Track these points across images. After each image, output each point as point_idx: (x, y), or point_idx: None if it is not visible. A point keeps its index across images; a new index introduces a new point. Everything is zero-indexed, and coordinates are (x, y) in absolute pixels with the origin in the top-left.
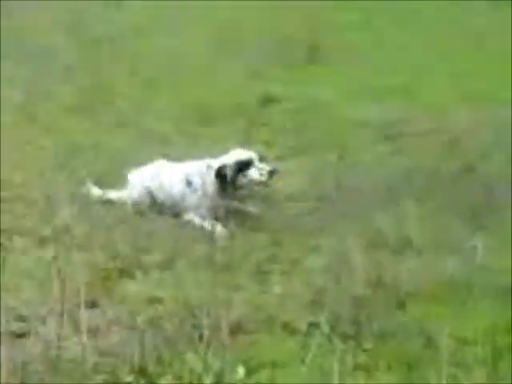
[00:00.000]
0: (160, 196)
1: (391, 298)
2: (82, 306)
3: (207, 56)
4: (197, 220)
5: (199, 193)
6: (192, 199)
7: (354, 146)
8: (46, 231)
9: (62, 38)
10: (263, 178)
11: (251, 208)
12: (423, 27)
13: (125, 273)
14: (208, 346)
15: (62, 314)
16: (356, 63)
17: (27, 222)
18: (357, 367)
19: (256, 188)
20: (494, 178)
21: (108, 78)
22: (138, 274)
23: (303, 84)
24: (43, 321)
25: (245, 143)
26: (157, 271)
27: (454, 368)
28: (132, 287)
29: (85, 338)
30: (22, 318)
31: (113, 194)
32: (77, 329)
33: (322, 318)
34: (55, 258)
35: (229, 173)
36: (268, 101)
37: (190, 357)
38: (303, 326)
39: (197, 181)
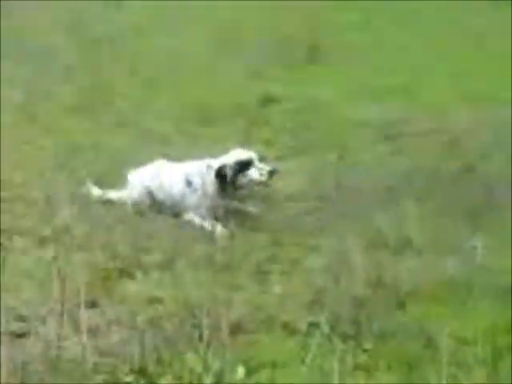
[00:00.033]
0: (160, 196)
1: (391, 298)
2: (82, 306)
3: (207, 56)
4: (197, 220)
5: (199, 193)
6: (192, 199)
7: (354, 146)
8: (46, 231)
9: (62, 38)
10: (263, 178)
11: (251, 208)
12: (423, 27)
13: (125, 273)
14: (208, 346)
15: (62, 314)
16: (356, 63)
17: (27, 221)
18: (357, 367)
19: (256, 188)
20: (494, 178)
21: (108, 77)
22: (138, 274)
23: (303, 84)
24: (43, 321)
25: (245, 143)
26: (157, 271)
27: (454, 368)
28: (132, 287)
29: (85, 338)
30: (21, 318)
31: (113, 194)
32: (77, 329)
33: (322, 318)
34: (55, 257)
35: (229, 173)
36: (268, 101)
37: (189, 357)
38: (303, 326)
39: (197, 181)
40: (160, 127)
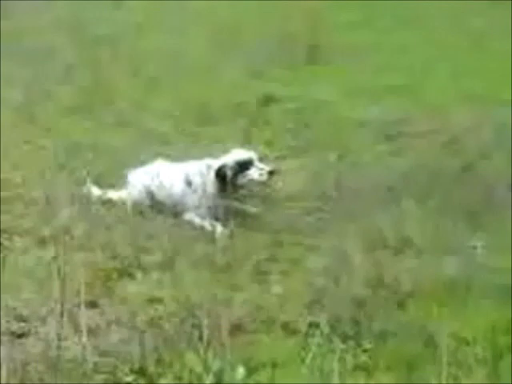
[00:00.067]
0: (160, 196)
1: (391, 297)
2: (82, 306)
3: (207, 55)
4: (197, 220)
5: (199, 193)
6: (192, 199)
7: (354, 146)
8: (46, 231)
9: (62, 38)
10: (263, 178)
11: (251, 208)
12: (424, 27)
13: (125, 273)
14: (208, 346)
15: (62, 314)
16: (356, 63)
17: (27, 222)
18: (357, 367)
19: (256, 188)
20: (494, 178)
21: (108, 77)
22: (138, 274)
23: (303, 84)
24: (43, 321)
25: (245, 143)
26: (157, 271)
27: (454, 368)
28: (132, 287)
29: (85, 338)
30: (22, 318)
31: (113, 194)
32: (77, 329)
33: (322, 318)
34: (55, 258)
35: (229, 173)
36: (268, 101)
37: (189, 357)
38: (303, 326)
39: (197, 181)
40: (160, 127)
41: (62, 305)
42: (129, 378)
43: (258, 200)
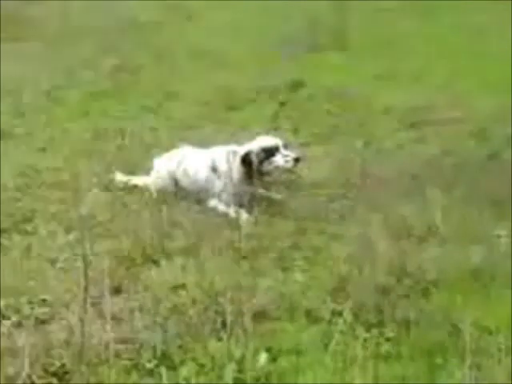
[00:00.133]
0: (185, 182)
1: (415, 286)
2: (106, 293)
3: (234, 41)
4: (221, 206)
5: (224, 179)
6: (217, 185)
7: (379, 133)
8: (71, 217)
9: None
10: (288, 165)
11: (276, 195)
12: (454, 12)
13: (149, 259)
14: (231, 334)
15: (85, 300)
16: (383, 50)
17: (52, 207)
18: (380, 355)
19: (282, 175)
20: None
21: (135, 62)
22: (162, 261)
23: (329, 70)
24: (67, 307)
25: (270, 130)
26: (181, 258)
27: (478, 357)
28: (156, 274)
29: (108, 324)
30: (46, 304)
31: (138, 180)
32: (100, 315)
33: (346, 306)
34: (80, 243)
35: (254, 159)
36: (294, 86)
37: (212, 344)
38: (326, 314)
39: (222, 167)
40: (187, 112)
41: (86, 291)
42: (151, 365)
43: (282, 187)
